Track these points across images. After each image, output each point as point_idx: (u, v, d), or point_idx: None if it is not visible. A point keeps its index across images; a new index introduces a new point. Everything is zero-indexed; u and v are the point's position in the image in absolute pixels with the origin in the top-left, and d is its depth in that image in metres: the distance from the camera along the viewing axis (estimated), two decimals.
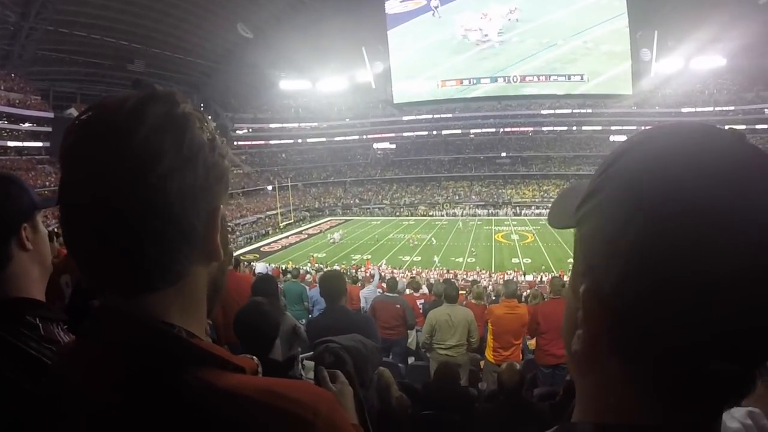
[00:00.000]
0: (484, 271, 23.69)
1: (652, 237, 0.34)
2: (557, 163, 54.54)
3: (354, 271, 19.77)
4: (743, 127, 43.96)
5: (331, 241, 34.76)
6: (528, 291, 9.50)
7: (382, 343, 4.24)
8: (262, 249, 32.91)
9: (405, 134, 61.05)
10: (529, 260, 27.10)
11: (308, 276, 12.83)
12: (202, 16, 45.33)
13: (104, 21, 38.46)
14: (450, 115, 59.28)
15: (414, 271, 22.93)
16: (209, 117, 0.57)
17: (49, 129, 38.16)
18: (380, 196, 54.85)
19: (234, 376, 0.50)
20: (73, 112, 40.21)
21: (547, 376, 4.83)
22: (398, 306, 5.50)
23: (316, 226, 44.23)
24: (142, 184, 0.47)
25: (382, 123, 60.97)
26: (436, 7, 55.24)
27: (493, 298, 9.68)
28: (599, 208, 0.39)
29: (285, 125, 61.95)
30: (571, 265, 0.41)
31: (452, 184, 55.33)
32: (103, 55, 41.77)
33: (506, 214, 47.47)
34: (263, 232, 41.00)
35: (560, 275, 11.51)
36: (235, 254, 10.50)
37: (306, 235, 39.16)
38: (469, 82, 56.95)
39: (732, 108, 48.53)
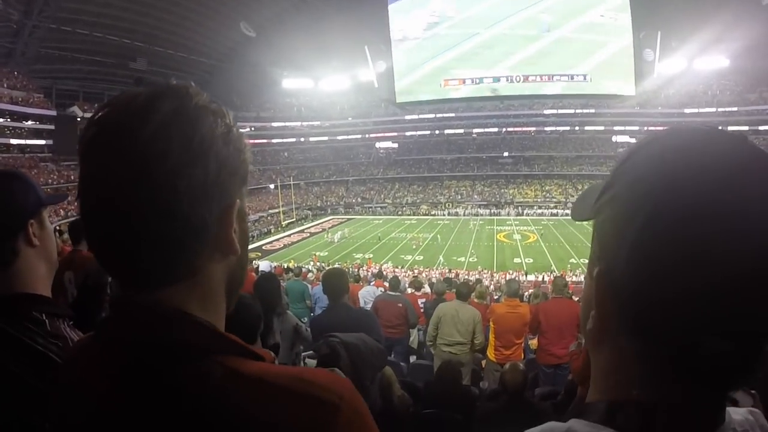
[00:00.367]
0: (485, 271, 23.67)
1: (654, 225, 0.38)
2: (560, 163, 54.46)
3: (356, 269, 19.78)
4: (746, 128, 43.95)
5: (330, 241, 34.83)
6: (530, 290, 9.49)
7: (384, 342, 4.24)
8: (264, 247, 32.91)
9: (407, 133, 60.99)
10: (531, 260, 27.09)
11: (310, 274, 12.85)
12: (205, 15, 45.25)
13: (107, 19, 38.41)
14: (452, 115, 58.98)
15: (416, 270, 22.95)
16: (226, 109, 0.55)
17: (52, 127, 38.23)
18: (382, 195, 54.88)
19: (256, 364, 0.50)
20: (76, 110, 40.30)
21: (548, 376, 4.82)
22: (400, 305, 5.52)
23: (318, 224, 44.33)
24: (147, 183, 0.47)
25: (384, 122, 60.86)
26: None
27: (495, 297, 9.69)
28: (612, 200, 0.43)
29: (287, 124, 62.00)
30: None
31: (454, 184, 55.32)
32: (105, 53, 41.68)
33: (508, 214, 47.48)
34: (265, 230, 41.12)
35: (562, 275, 11.49)
36: None
37: (308, 234, 39.29)
38: (472, 82, 56.77)
39: (735, 109, 48.39)
